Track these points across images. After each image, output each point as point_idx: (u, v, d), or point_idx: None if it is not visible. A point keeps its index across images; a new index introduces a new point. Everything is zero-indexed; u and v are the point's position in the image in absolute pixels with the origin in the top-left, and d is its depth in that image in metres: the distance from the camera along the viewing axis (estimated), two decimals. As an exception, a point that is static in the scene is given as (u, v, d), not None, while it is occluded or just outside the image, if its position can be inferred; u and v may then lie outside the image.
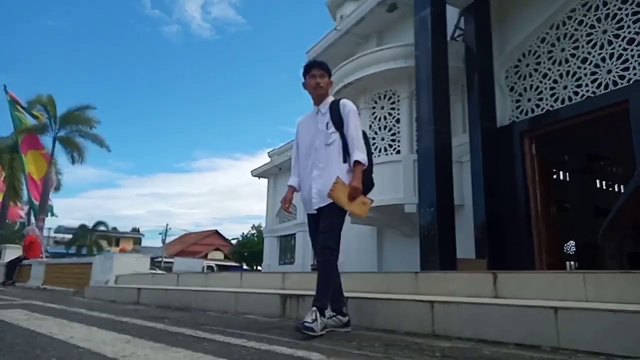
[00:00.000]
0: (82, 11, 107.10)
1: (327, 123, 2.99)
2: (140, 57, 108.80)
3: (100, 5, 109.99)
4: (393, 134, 8.40)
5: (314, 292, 2.75)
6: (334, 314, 2.85)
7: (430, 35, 7.01)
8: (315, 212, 2.95)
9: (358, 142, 2.91)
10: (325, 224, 2.83)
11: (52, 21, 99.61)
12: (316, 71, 3.08)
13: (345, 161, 2.93)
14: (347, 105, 3.02)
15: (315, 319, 2.55)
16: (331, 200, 2.80)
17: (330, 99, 3.13)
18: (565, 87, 6.91)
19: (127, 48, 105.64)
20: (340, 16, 14.05)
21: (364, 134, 3.06)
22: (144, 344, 2.32)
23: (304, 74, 3.14)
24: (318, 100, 3.12)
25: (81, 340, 2.41)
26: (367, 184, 2.96)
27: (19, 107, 17.49)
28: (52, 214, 17.84)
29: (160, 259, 36.66)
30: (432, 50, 6.95)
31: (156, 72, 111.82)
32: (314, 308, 2.62)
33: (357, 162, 2.86)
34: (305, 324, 2.51)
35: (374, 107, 8.77)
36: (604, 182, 12.25)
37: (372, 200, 2.99)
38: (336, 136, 2.96)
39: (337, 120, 2.97)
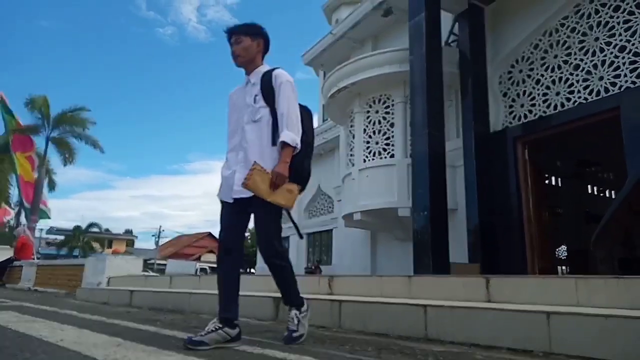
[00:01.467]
0: (77, 12, 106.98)
1: (256, 96, 2.57)
2: (135, 58, 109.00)
3: (95, 6, 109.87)
4: (387, 138, 8.43)
5: (306, 295, 2.72)
6: (221, 325, 2.35)
7: (424, 41, 7.06)
8: (231, 201, 2.48)
9: (289, 119, 2.46)
10: (263, 230, 2.48)
11: (46, 22, 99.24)
12: (232, 39, 2.62)
13: (275, 143, 2.49)
14: (280, 75, 2.56)
15: (298, 321, 2.51)
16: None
17: (264, 68, 2.66)
18: (557, 94, 6.97)
19: (121, 49, 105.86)
20: (335, 20, 14.11)
21: (305, 109, 2.66)
22: (135, 347, 2.29)
23: None
24: (247, 69, 2.67)
25: (72, 343, 2.38)
26: (303, 174, 2.56)
27: (6, 108, 17.28)
28: (48, 217, 17.62)
29: (153, 261, 36.37)
30: (426, 56, 7.00)
31: (150, 74, 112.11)
32: (294, 312, 2.55)
33: (284, 144, 2.42)
34: (294, 334, 2.46)
35: (368, 111, 8.79)
36: (595, 188, 12.37)
37: (301, 187, 2.53)
38: (265, 111, 2.53)
39: (268, 92, 2.54)
